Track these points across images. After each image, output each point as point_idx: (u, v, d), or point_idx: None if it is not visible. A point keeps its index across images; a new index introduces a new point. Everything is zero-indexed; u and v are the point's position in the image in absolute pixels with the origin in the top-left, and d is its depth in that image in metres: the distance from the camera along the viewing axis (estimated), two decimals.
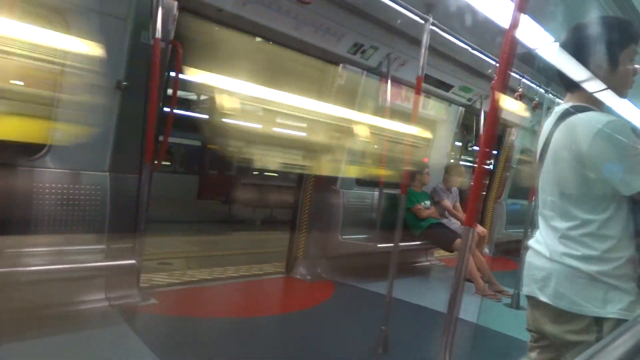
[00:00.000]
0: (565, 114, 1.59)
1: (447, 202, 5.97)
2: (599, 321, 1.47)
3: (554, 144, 1.59)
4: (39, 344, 2.72)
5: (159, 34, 3.17)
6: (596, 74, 1.61)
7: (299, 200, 5.08)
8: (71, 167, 3.18)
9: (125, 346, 2.91)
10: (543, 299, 1.58)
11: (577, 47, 1.65)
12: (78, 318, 3.14)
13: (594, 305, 1.47)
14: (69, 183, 3.15)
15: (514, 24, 1.57)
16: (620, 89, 1.64)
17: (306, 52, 4.50)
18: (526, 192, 5.89)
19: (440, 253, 6.38)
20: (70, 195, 3.14)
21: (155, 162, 3.49)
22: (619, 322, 1.43)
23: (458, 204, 6.21)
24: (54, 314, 3.07)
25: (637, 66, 1.65)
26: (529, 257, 1.70)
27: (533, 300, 1.65)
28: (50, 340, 2.78)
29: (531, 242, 1.71)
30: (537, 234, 1.70)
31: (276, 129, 4.99)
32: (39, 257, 2.96)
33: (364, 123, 4.32)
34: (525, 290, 1.69)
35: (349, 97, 4.73)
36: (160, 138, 3.59)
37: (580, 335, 1.50)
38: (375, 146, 4.74)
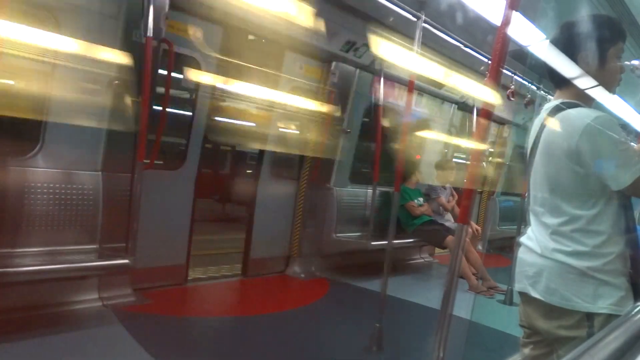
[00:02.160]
0: (554, 111, 1.60)
1: (443, 199, 5.99)
2: (590, 316, 1.48)
3: (544, 140, 1.60)
4: (32, 345, 2.71)
5: (150, 33, 3.15)
6: (585, 71, 1.62)
7: (294, 198, 5.07)
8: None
9: (119, 346, 2.90)
10: (535, 295, 1.59)
11: (566, 45, 1.66)
12: (71, 318, 3.12)
13: (585, 300, 1.48)
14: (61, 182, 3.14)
15: (506, 22, 1.58)
16: (608, 86, 1.65)
17: (299, 49, 4.50)
18: (519, 188, 5.92)
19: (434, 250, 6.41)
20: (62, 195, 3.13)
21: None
22: (609, 317, 1.44)
23: (453, 202, 6.24)
24: (47, 314, 3.05)
25: (627, 63, 1.66)
26: (521, 254, 1.70)
27: (525, 297, 1.66)
28: (43, 340, 2.77)
29: (523, 239, 1.71)
30: (529, 231, 1.71)
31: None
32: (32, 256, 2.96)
33: None
34: (517, 286, 1.70)
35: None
36: None
37: (571, 331, 1.50)
38: None
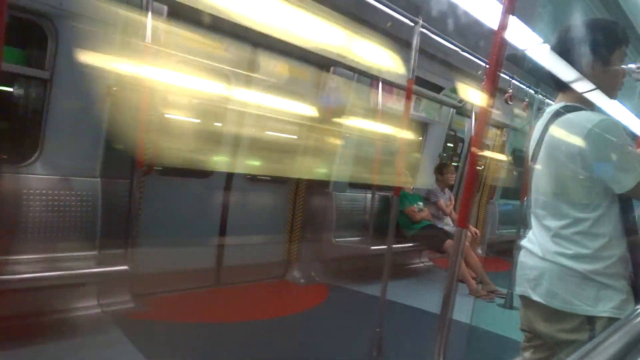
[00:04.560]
0: (557, 114, 1.60)
1: (442, 203, 5.99)
2: (591, 320, 1.48)
3: (547, 143, 1.60)
4: (31, 352, 2.70)
5: (149, 40, 3.15)
6: (588, 75, 1.62)
7: (293, 203, 5.07)
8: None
9: (118, 353, 2.88)
10: (535, 298, 1.59)
11: (569, 48, 1.66)
12: (71, 325, 3.11)
13: (586, 304, 1.48)
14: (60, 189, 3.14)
15: (503, 26, 1.58)
16: (610, 90, 1.66)
17: (297, 55, 4.50)
18: (518, 192, 5.92)
19: (434, 255, 6.39)
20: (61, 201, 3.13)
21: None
22: (611, 320, 1.44)
23: (452, 206, 6.25)
24: (46, 321, 3.04)
25: (626, 66, 1.66)
26: (522, 257, 1.70)
27: (526, 300, 1.66)
28: (42, 348, 2.76)
29: (524, 242, 1.71)
30: (530, 234, 1.70)
31: None
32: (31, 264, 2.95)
33: None
34: (518, 290, 1.70)
35: None
36: None
37: (572, 334, 1.50)
38: None
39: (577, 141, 1.49)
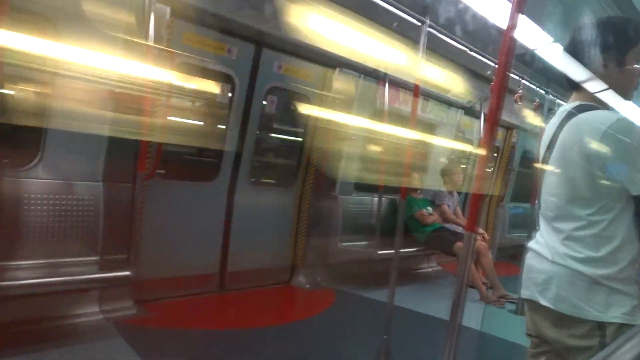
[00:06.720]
0: (572, 114, 1.56)
1: (447, 207, 5.93)
2: (601, 325, 1.44)
3: (561, 143, 1.55)
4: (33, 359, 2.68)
5: (151, 40, 3.13)
6: (601, 75, 1.58)
7: (298, 207, 5.02)
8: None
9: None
10: (543, 302, 1.54)
11: (582, 48, 1.62)
12: (72, 331, 3.09)
13: (596, 309, 1.44)
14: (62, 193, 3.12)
15: (512, 25, 1.55)
16: (625, 91, 1.62)
17: (304, 56, 4.47)
18: (528, 194, 5.84)
19: (442, 259, 6.33)
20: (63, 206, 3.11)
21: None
22: (622, 326, 1.41)
23: (459, 209, 6.17)
24: (47, 327, 3.01)
25: (637, 66, 1.61)
26: (529, 260, 1.66)
27: (533, 304, 1.61)
28: (43, 354, 2.74)
29: (531, 244, 1.67)
30: (537, 236, 1.66)
31: None
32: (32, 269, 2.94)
33: None
34: (525, 293, 1.65)
35: None
36: None
37: (582, 340, 1.46)
38: None
39: (593, 141, 1.45)
